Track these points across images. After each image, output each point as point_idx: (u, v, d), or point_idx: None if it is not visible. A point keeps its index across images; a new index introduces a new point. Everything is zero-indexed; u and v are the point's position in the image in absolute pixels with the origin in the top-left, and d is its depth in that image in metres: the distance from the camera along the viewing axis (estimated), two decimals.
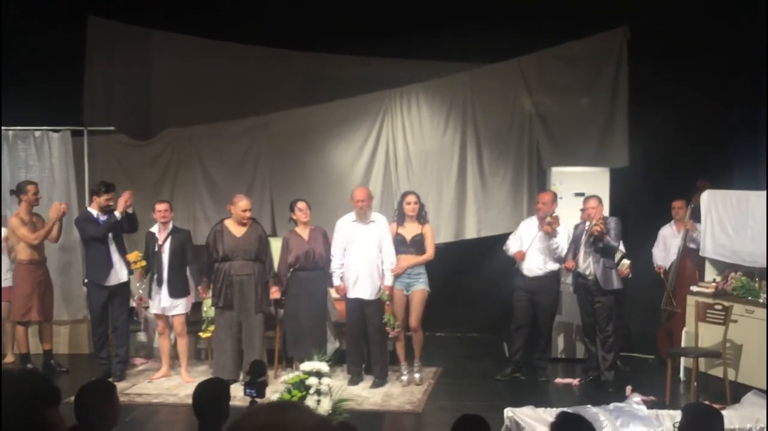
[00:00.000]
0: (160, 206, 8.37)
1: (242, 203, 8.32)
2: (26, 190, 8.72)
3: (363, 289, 8.08)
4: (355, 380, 8.10)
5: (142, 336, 9.93)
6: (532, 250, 8.43)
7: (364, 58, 11.01)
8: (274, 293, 8.20)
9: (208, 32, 11.01)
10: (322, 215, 10.53)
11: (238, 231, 8.26)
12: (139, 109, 11.41)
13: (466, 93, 10.47)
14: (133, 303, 10.42)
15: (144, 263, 8.31)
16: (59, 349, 9.34)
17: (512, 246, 8.63)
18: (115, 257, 8.42)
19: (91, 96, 11.15)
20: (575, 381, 8.31)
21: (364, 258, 8.09)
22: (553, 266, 8.48)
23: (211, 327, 8.44)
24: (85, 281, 9.35)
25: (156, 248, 8.30)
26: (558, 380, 8.39)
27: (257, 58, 11.16)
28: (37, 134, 9.40)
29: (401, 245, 8.23)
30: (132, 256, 8.36)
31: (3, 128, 9.38)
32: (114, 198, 8.53)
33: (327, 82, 11.05)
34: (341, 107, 10.63)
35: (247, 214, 8.31)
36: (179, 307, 8.31)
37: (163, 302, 8.26)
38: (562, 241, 8.39)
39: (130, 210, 8.61)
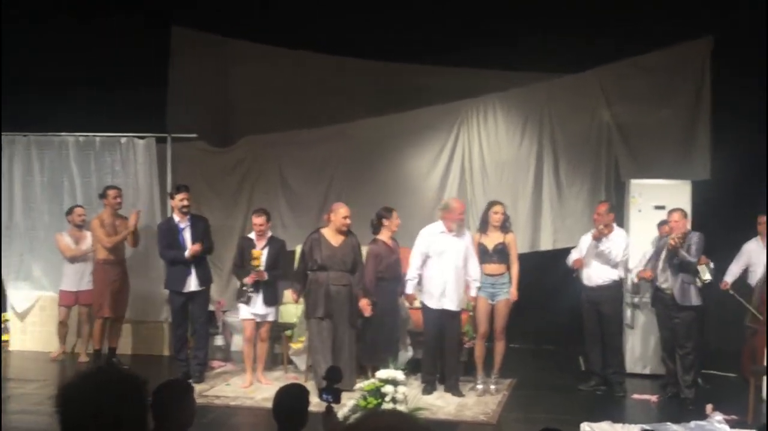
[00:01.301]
0: (258, 220, 8.31)
1: (342, 209, 8.24)
2: (107, 194, 9.02)
3: (451, 301, 8.06)
4: (429, 389, 8.10)
5: (219, 340, 10.14)
6: (588, 259, 8.38)
7: (440, 67, 11.03)
8: (365, 306, 8.08)
9: (287, 42, 11.19)
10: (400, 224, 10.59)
11: (335, 240, 8.20)
12: (220, 117, 11.64)
13: (544, 104, 10.41)
14: (212, 307, 10.67)
15: (257, 263, 8.17)
16: (140, 350, 9.57)
17: (572, 260, 8.59)
18: (192, 265, 8.50)
19: (174, 104, 11.43)
20: (653, 398, 8.16)
21: (453, 270, 8.04)
22: (613, 274, 8.37)
23: (302, 338, 8.40)
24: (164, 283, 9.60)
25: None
26: (635, 396, 8.24)
27: (335, 68, 11.28)
28: (123, 140, 9.68)
29: (484, 254, 8.22)
30: (255, 253, 8.22)
31: (91, 134, 9.67)
32: (190, 198, 8.59)
33: (404, 92, 11.09)
34: (417, 117, 10.68)
35: (348, 221, 8.23)
36: (270, 315, 8.36)
37: (258, 310, 8.24)
38: (616, 248, 8.28)
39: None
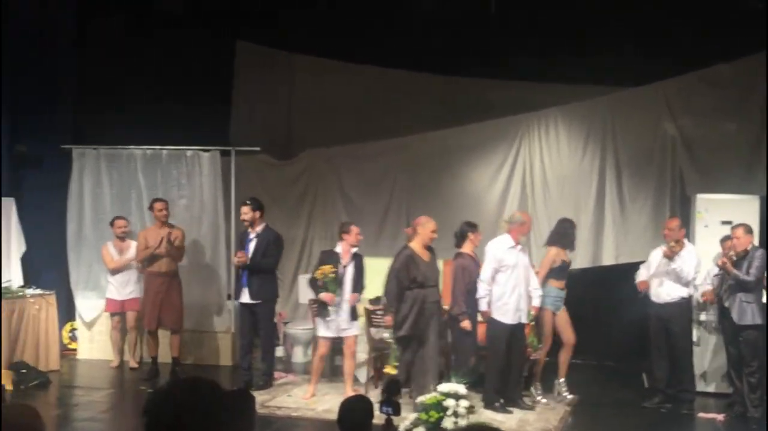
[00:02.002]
0: (356, 228, 8.24)
1: (431, 224, 8.00)
2: (152, 207, 9.27)
3: (523, 314, 8.03)
4: (496, 404, 8.02)
5: (280, 351, 10.23)
6: (657, 276, 8.24)
7: (501, 81, 11.01)
8: (467, 323, 7.96)
9: (349, 56, 11.29)
10: None
11: (425, 256, 7.99)
12: (282, 130, 11.79)
13: (606, 117, 10.32)
14: (273, 318, 10.78)
15: (334, 275, 8.01)
16: (204, 360, 9.71)
17: (641, 275, 8.48)
18: (247, 276, 8.58)
19: (237, 117, 11.64)
20: (720, 417, 7.99)
21: (523, 283, 8.03)
22: (682, 291, 8.23)
23: (395, 363, 8.21)
24: (228, 294, 9.77)
25: (340, 270, 8.14)
26: (701, 414, 8.09)
27: (395, 81, 11.34)
28: (189, 153, 9.86)
29: (563, 269, 8.41)
30: (326, 268, 8.09)
31: (158, 147, 9.87)
32: (248, 211, 8.66)
33: (464, 105, 11.10)
34: (478, 130, 10.68)
35: (436, 235, 8.09)
36: (354, 328, 8.25)
37: (343, 325, 8.12)
38: (688, 266, 8.13)
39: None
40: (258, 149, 10.26)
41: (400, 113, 11.18)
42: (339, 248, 8.17)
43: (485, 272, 7.99)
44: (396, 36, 10.72)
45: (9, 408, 3.61)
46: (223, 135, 11.19)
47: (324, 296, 7.94)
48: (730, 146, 9.85)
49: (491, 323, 8.03)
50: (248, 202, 8.71)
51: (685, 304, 8.32)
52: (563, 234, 8.52)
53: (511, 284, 7.96)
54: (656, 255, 8.46)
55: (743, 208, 8.76)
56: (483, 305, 8.02)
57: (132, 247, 9.51)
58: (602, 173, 10.30)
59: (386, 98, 11.26)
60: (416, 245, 7.93)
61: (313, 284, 8.18)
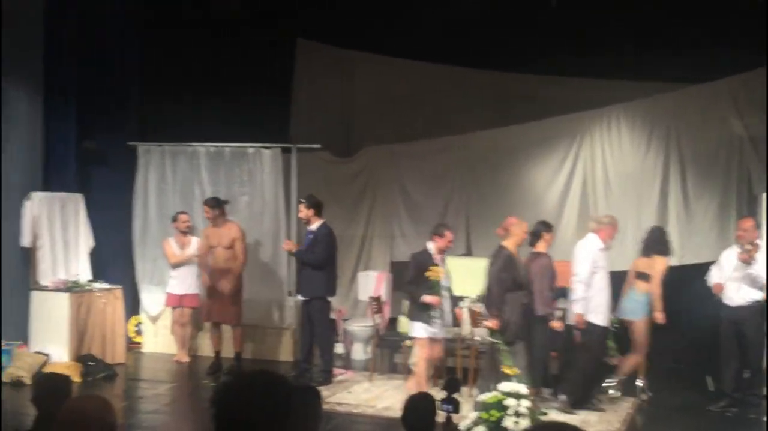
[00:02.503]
0: (450, 234, 7.92)
1: (524, 224, 7.76)
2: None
3: (608, 317, 8.01)
4: (581, 404, 7.91)
5: (340, 348, 10.30)
6: (732, 279, 8.05)
7: (561, 78, 10.90)
8: (559, 323, 7.93)
9: (408, 53, 11.30)
10: None
11: (518, 257, 7.78)
12: (342, 127, 11.86)
13: (671, 114, 10.15)
14: (332, 315, 10.86)
15: (440, 278, 7.77)
16: (265, 355, 9.81)
17: (713, 276, 8.29)
18: (301, 273, 8.79)
19: (298, 115, 11.75)
20: None
21: (609, 285, 8.00)
22: (757, 294, 8.03)
23: (508, 363, 7.59)
24: (289, 291, 9.86)
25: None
26: None
27: (456, 79, 11.32)
28: (251, 151, 9.97)
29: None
30: (439, 270, 7.83)
31: (221, 144, 10.01)
32: (301, 209, 8.77)
33: (525, 103, 11.02)
34: (539, 128, 10.60)
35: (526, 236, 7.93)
36: (443, 331, 7.96)
37: (436, 328, 7.82)
38: (763, 269, 7.92)
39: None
40: (318, 146, 10.32)
41: (461, 110, 11.15)
42: (431, 249, 7.83)
43: (583, 273, 7.79)
44: (456, 32, 10.69)
45: (82, 399, 3.70)
46: (284, 132, 11.31)
47: (431, 298, 7.63)
48: None
49: (588, 326, 7.81)
50: (303, 200, 8.82)
51: (759, 306, 8.09)
52: (660, 242, 8.46)
53: (602, 286, 7.85)
54: (728, 256, 8.22)
55: None
56: (579, 308, 7.79)
57: (193, 242, 9.66)
58: (666, 171, 10.14)
59: (446, 95, 11.24)
60: (511, 245, 7.63)
61: (415, 285, 7.73)
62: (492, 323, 7.42)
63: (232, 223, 9.37)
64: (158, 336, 10.14)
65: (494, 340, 7.48)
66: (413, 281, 7.72)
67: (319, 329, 8.75)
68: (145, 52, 10.67)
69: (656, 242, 8.50)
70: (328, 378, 8.76)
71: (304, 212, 8.74)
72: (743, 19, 9.45)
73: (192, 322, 9.84)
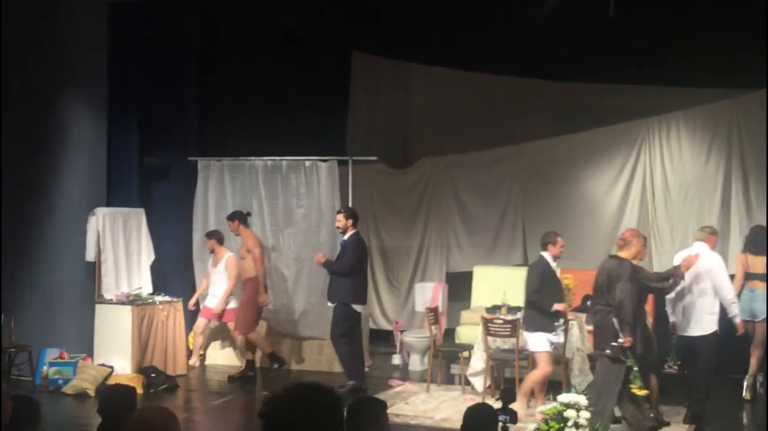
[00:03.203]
0: (561, 240, 7.91)
1: (642, 237, 7.57)
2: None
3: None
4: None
5: (396, 359, 10.31)
6: None
7: (618, 86, 10.80)
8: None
9: (464, 64, 11.31)
10: (576, 246, 10.44)
11: None
12: (398, 139, 11.92)
13: (732, 121, 9.99)
14: (389, 326, 10.89)
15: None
16: (320, 366, 9.86)
17: None
18: (332, 279, 8.98)
19: (354, 127, 11.84)
20: None
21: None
22: None
23: (638, 383, 7.26)
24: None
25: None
26: None
27: (511, 89, 11.30)
28: (308, 164, 10.06)
29: None
30: (571, 277, 8.07)
31: (278, 158, 10.12)
32: (340, 219, 8.85)
33: (581, 112, 10.96)
34: (596, 137, 10.52)
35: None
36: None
37: (559, 338, 7.85)
38: None
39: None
40: (375, 158, 10.38)
41: (516, 120, 11.12)
42: (547, 257, 7.79)
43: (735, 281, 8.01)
44: (512, 42, 10.66)
45: (148, 410, 3.77)
46: (341, 145, 11.40)
47: (561, 306, 7.60)
48: None
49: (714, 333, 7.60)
50: (342, 210, 8.97)
51: None
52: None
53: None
54: None
55: None
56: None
57: (223, 260, 9.73)
58: (727, 178, 9.97)
59: (502, 105, 11.22)
60: (629, 257, 7.18)
61: (540, 294, 7.65)
62: (625, 340, 6.92)
63: (247, 232, 9.54)
64: (216, 349, 10.26)
65: (623, 359, 6.98)
66: (538, 290, 7.63)
67: (335, 333, 8.78)
68: (205, 69, 10.88)
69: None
70: (357, 387, 8.59)
71: (343, 222, 8.86)
72: None
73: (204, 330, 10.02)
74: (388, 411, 7.98)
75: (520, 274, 10.07)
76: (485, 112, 11.23)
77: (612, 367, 6.94)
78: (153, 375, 8.98)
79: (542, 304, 7.61)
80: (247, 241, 9.48)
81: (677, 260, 7.61)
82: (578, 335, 8.34)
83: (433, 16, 10.49)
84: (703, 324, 7.52)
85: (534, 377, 7.74)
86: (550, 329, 7.61)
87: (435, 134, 11.50)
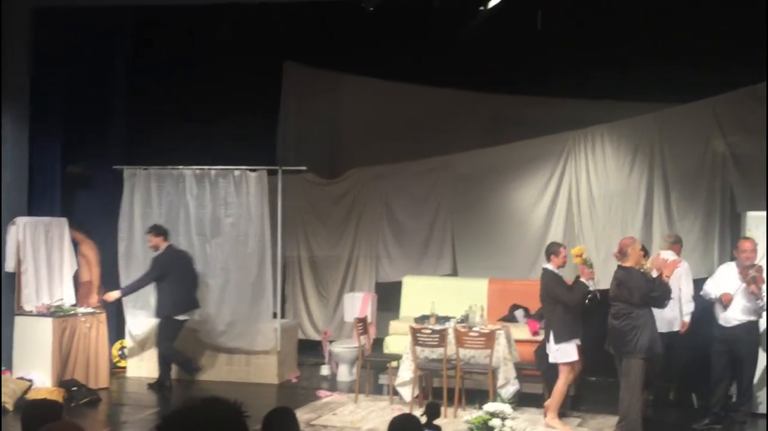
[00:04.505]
0: (564, 251, 7.93)
1: (639, 244, 7.76)
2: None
3: None
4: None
5: (325, 369, 10.27)
6: (736, 300, 8.00)
7: (546, 98, 10.98)
8: None
9: (394, 75, 11.35)
10: (503, 256, 10.57)
11: None
12: (328, 149, 11.89)
13: (655, 133, 10.23)
14: (318, 337, 10.84)
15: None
16: (251, 378, 9.76)
17: (710, 290, 8.21)
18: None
19: (284, 137, 11.78)
20: None
21: None
22: (752, 315, 8.02)
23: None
24: (274, 313, 9.88)
25: None
26: None
27: (440, 100, 11.38)
28: (237, 173, 9.98)
29: None
30: (576, 250, 7.95)
31: (206, 167, 10.01)
32: (150, 239, 9.53)
33: (510, 124, 11.10)
34: (524, 148, 10.66)
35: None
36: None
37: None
38: (764, 294, 7.90)
39: None
40: (304, 168, 10.34)
41: (446, 132, 11.20)
42: (551, 268, 7.87)
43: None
44: (441, 55, 10.76)
45: (56, 426, 3.67)
46: (270, 155, 11.33)
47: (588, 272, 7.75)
48: None
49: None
50: (150, 230, 9.59)
51: (752, 326, 8.06)
52: None
53: None
54: (726, 273, 8.16)
55: None
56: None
57: None
58: (650, 190, 10.19)
59: (432, 117, 11.29)
60: (632, 265, 7.39)
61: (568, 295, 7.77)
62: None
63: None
64: (143, 360, 10.08)
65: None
66: (569, 289, 7.76)
67: (159, 346, 9.46)
68: (131, 76, 10.70)
69: None
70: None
71: (153, 240, 9.49)
72: (725, 40, 9.54)
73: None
74: (316, 422, 8.04)
75: (449, 284, 10.20)
76: (415, 123, 11.29)
77: (632, 365, 7.19)
78: (74, 388, 8.77)
79: (572, 301, 7.69)
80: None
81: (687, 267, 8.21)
82: (505, 344, 8.43)
83: (364, 28, 10.51)
84: (670, 324, 8.15)
85: (560, 389, 7.76)
86: (579, 333, 7.74)
87: (365, 144, 11.51)
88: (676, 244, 8.72)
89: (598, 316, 7.88)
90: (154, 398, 9.30)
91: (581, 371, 8.26)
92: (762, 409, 8.53)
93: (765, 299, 7.89)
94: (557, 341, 7.71)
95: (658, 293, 7.26)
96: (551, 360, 7.81)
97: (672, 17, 9.67)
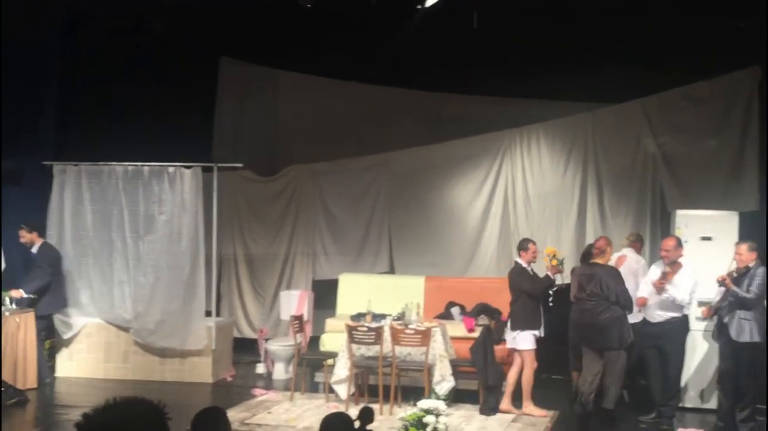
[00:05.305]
0: (534, 246, 8.39)
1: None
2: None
3: None
4: None
5: (261, 368, 10.18)
6: (652, 297, 8.20)
7: (484, 97, 11.08)
8: None
9: (333, 72, 11.33)
10: (440, 254, 10.63)
11: None
12: (265, 146, 11.80)
13: (588, 133, 10.40)
14: (254, 335, 10.76)
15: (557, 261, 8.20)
16: (185, 377, 9.64)
17: (641, 290, 8.39)
18: None
19: (220, 134, 11.65)
20: None
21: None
22: (677, 312, 8.18)
23: None
24: (208, 312, 9.75)
25: None
26: (680, 429, 8.06)
27: (380, 98, 11.40)
28: (171, 170, 9.83)
29: None
30: (549, 250, 8.43)
31: (139, 163, 9.84)
32: (23, 235, 9.37)
33: (447, 122, 11.17)
34: (461, 146, 10.73)
35: None
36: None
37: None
38: (681, 293, 8.01)
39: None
40: (241, 165, 10.24)
41: (384, 129, 11.23)
42: (521, 263, 8.35)
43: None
44: (379, 52, 10.76)
45: None
46: (206, 152, 11.19)
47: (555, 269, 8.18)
48: (710, 162, 9.94)
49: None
50: (22, 226, 9.40)
51: (678, 322, 8.21)
52: None
53: None
54: (654, 272, 8.34)
55: (722, 224, 8.76)
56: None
57: None
58: (584, 188, 10.36)
59: (370, 114, 11.31)
60: (604, 262, 8.13)
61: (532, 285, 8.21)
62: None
63: None
64: (74, 360, 9.87)
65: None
66: (529, 282, 8.21)
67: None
68: (63, 70, 10.47)
69: None
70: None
71: (27, 236, 9.40)
72: (657, 41, 9.75)
73: None
74: (251, 420, 7.96)
75: (385, 281, 10.22)
76: (353, 120, 11.29)
77: (620, 357, 7.78)
78: (1, 389, 8.52)
79: (543, 287, 8.22)
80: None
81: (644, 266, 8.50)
82: (441, 341, 8.47)
83: (302, 24, 10.45)
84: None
85: (527, 376, 8.25)
86: (537, 326, 8.20)
87: (303, 141, 11.47)
88: (636, 242, 9.10)
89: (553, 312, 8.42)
90: (84, 398, 9.09)
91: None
92: (689, 403, 8.73)
93: (684, 294, 8.04)
94: (513, 328, 8.25)
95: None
96: (509, 346, 8.31)
97: (606, 19, 9.83)
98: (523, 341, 8.22)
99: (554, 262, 8.16)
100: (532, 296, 8.21)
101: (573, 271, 8.75)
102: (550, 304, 8.49)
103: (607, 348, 7.80)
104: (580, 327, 8.08)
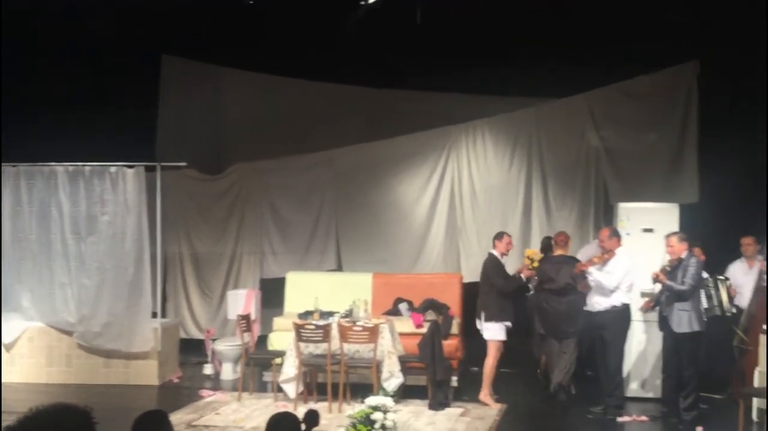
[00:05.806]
0: (507, 238, 8.65)
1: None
2: None
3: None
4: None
5: (208, 368, 10.08)
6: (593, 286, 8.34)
7: (429, 93, 11.12)
8: None
9: (276, 69, 11.26)
10: (387, 250, 10.64)
11: None
12: (210, 144, 11.69)
13: (532, 128, 10.50)
14: (201, 335, 10.64)
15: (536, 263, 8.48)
16: (130, 380, 9.50)
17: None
18: None
19: (164, 132, 11.50)
20: (643, 418, 8.11)
21: None
22: (615, 300, 8.27)
23: None
24: (153, 313, 9.63)
25: None
26: (624, 418, 8.17)
27: (324, 94, 11.36)
28: (113, 169, 9.66)
29: None
30: (530, 252, 8.72)
31: (80, 163, 9.65)
32: None
33: (393, 118, 11.19)
34: (406, 143, 10.75)
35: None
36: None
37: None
38: (608, 278, 8.09)
39: None
40: (184, 164, 10.11)
41: (329, 126, 11.20)
42: (495, 253, 8.60)
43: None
44: (323, 49, 10.74)
45: None
46: (148, 150, 11.03)
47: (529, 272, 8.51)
48: (651, 156, 10.10)
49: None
50: None
51: (618, 312, 8.30)
52: None
53: None
54: (583, 255, 8.57)
55: (663, 216, 8.91)
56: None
57: None
58: (529, 182, 10.46)
59: (314, 111, 11.27)
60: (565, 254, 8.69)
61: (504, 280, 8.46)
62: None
63: None
64: (15, 365, 9.65)
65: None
66: (506, 277, 8.49)
67: None
68: (0, 68, 10.22)
69: None
70: None
71: None
72: (598, 36, 9.89)
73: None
74: (198, 422, 7.87)
75: (333, 279, 10.18)
76: (298, 117, 11.24)
77: (571, 344, 8.40)
78: None
79: (507, 289, 8.46)
80: None
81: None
82: (389, 338, 8.47)
83: (245, 21, 10.36)
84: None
85: (490, 365, 8.52)
86: (509, 317, 8.49)
87: (247, 139, 11.38)
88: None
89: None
90: (26, 403, 8.89)
91: (463, 362, 8.43)
92: (632, 393, 8.85)
93: (612, 281, 8.15)
94: (487, 320, 8.49)
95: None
96: (485, 337, 8.53)
97: (549, 14, 9.93)
98: (495, 331, 8.48)
99: (535, 264, 8.46)
100: (501, 293, 8.45)
101: (540, 262, 8.74)
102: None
103: (568, 335, 8.34)
104: (550, 315, 8.45)
